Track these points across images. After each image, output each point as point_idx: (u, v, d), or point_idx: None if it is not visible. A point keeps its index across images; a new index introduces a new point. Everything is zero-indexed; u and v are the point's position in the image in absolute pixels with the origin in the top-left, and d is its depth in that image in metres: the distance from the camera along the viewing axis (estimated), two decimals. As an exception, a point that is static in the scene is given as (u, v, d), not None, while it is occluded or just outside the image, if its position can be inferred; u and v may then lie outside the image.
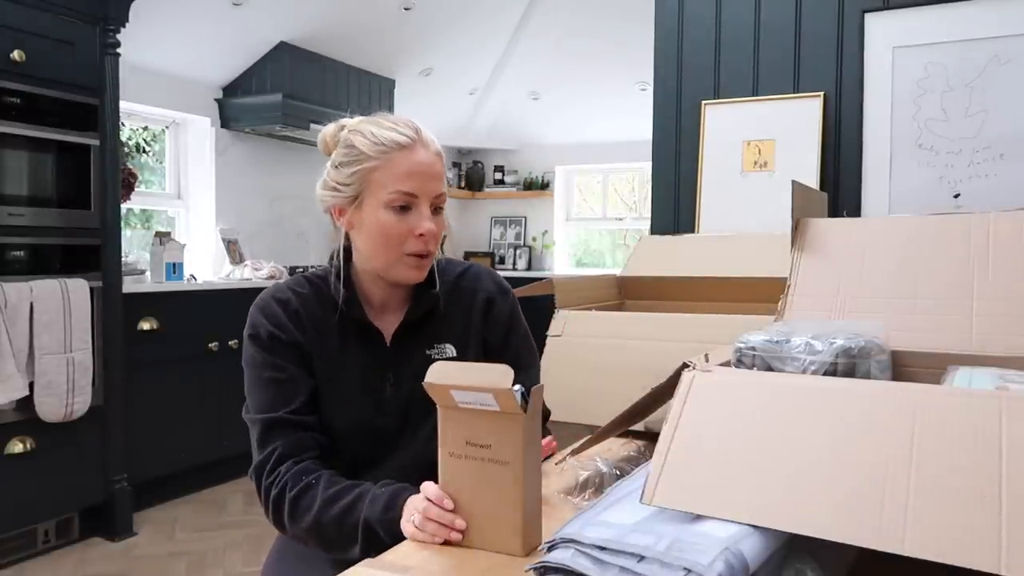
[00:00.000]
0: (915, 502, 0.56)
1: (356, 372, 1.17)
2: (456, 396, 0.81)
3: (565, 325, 1.45)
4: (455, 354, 1.20)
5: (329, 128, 1.20)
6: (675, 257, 1.71)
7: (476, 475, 0.82)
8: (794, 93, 2.64)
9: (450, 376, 0.82)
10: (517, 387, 0.78)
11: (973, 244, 1.00)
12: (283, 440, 1.10)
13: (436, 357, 1.18)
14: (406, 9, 4.59)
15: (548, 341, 1.47)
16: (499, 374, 0.79)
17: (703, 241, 1.96)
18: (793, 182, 1.17)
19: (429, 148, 1.15)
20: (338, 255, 1.19)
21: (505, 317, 1.26)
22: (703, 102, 2.78)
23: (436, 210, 1.15)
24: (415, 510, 0.89)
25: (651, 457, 0.68)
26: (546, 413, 1.27)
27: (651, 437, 1.19)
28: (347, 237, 1.18)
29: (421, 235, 1.13)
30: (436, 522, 0.86)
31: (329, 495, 1.03)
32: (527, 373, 1.23)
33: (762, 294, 1.40)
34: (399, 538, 0.90)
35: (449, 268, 1.26)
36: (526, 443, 0.80)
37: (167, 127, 4.35)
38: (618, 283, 1.69)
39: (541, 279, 1.64)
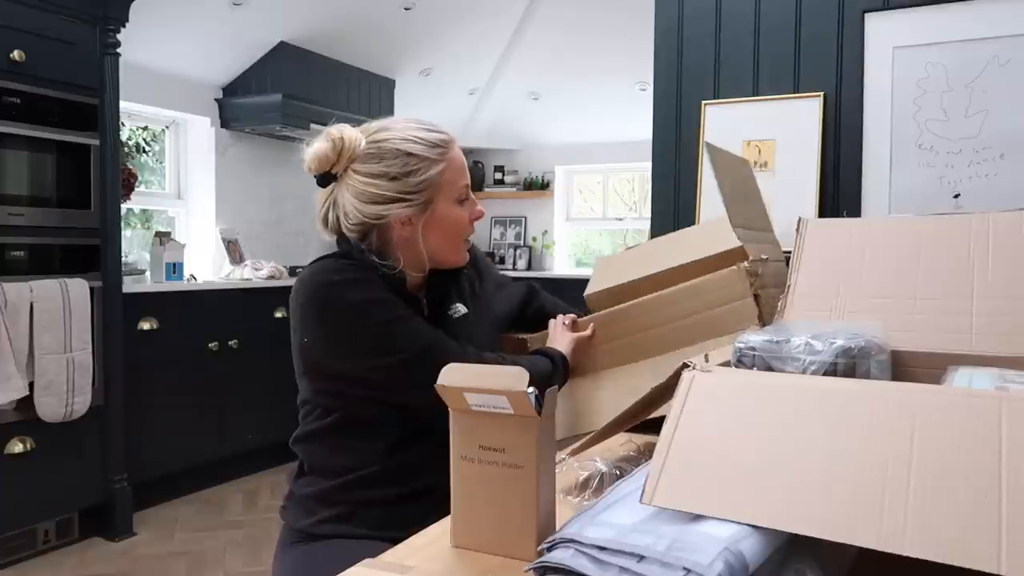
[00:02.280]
0: (915, 502, 0.56)
1: None
2: (469, 399, 0.81)
3: None
4: (466, 311, 1.32)
5: (323, 146, 1.18)
6: (630, 267, 1.66)
7: (489, 480, 0.81)
8: (794, 93, 2.64)
9: (463, 379, 0.81)
10: (531, 390, 0.78)
11: (973, 244, 1.00)
12: (463, 349, 1.20)
13: (454, 316, 1.30)
14: (406, 9, 4.59)
15: None
16: (513, 377, 0.78)
17: (652, 245, 1.89)
18: (707, 144, 1.19)
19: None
20: (393, 252, 1.21)
21: (486, 263, 1.48)
22: (703, 102, 2.78)
23: None
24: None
25: (651, 457, 0.68)
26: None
27: (651, 435, 1.19)
28: (380, 237, 1.21)
29: (477, 217, 1.28)
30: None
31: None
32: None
33: (723, 265, 1.36)
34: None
35: None
36: (540, 447, 0.79)
37: (167, 127, 4.35)
38: (587, 300, 1.64)
39: (543, 279, 1.63)
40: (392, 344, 1.16)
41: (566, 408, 1.42)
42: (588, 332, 1.40)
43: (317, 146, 1.19)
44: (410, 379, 1.16)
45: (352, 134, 1.20)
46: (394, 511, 1.20)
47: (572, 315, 1.44)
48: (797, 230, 1.14)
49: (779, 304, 1.07)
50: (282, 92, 4.19)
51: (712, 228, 1.41)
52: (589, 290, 1.58)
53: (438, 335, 1.20)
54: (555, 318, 1.43)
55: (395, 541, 1.10)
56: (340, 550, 1.17)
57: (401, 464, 1.21)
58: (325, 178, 1.21)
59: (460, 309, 1.33)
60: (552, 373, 1.31)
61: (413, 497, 1.21)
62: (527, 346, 1.49)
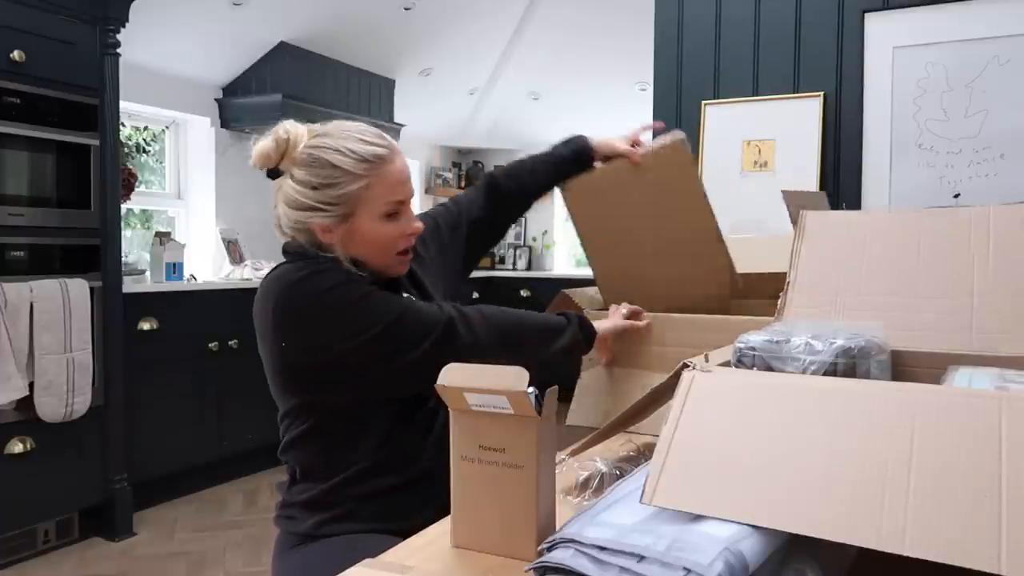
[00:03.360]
0: (915, 502, 0.56)
1: None
2: (469, 399, 0.81)
3: None
4: (415, 298, 1.31)
5: (267, 143, 1.19)
6: None
7: (489, 479, 0.81)
8: (794, 93, 2.64)
9: (463, 379, 0.81)
10: (531, 390, 0.77)
11: (973, 239, 1.00)
12: (438, 305, 1.22)
13: None
14: (406, 9, 4.59)
15: None
16: (513, 376, 0.78)
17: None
18: (784, 192, 1.16)
19: (400, 153, 1.23)
20: (341, 258, 1.21)
21: (424, 240, 1.41)
22: (703, 102, 2.78)
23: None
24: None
25: (651, 457, 0.68)
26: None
27: (651, 435, 1.19)
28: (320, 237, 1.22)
29: (411, 234, 1.23)
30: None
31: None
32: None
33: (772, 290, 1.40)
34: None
35: None
36: (540, 447, 0.79)
37: (167, 127, 4.35)
38: None
39: (542, 279, 1.63)
40: (363, 321, 1.16)
41: (605, 394, 1.40)
42: (642, 323, 1.41)
43: (262, 143, 1.20)
44: (391, 348, 1.16)
45: (296, 135, 1.20)
46: (393, 502, 1.20)
47: (637, 308, 1.44)
48: (796, 223, 1.14)
49: (779, 302, 1.07)
50: (282, 92, 4.19)
51: (773, 244, 1.44)
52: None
53: (409, 302, 1.20)
54: (618, 305, 1.45)
55: (399, 531, 1.11)
56: (344, 545, 1.17)
57: (392, 455, 1.21)
58: (273, 173, 1.22)
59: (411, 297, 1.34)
60: (564, 330, 1.31)
61: (410, 485, 1.22)
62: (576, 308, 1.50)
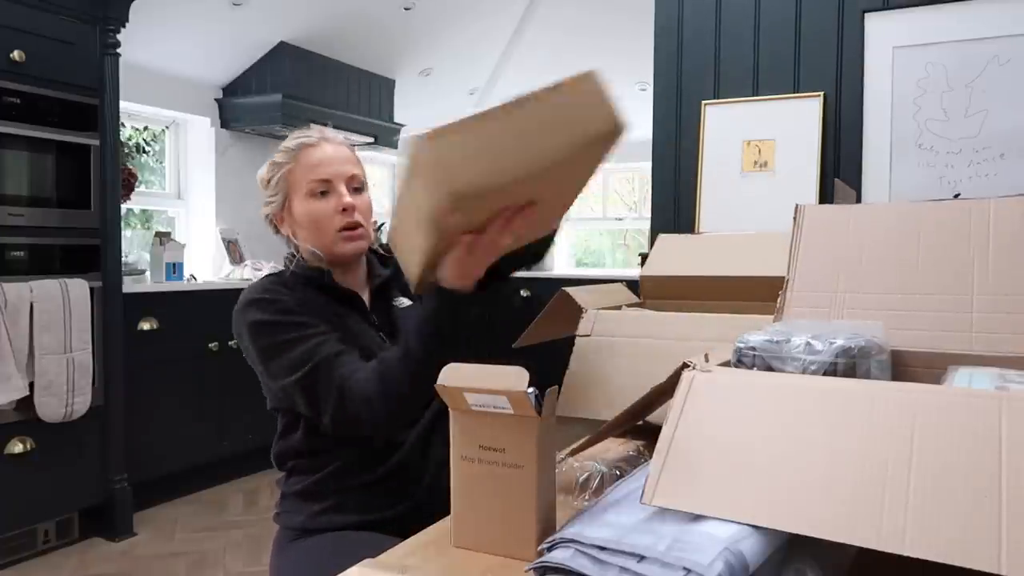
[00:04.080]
0: (915, 502, 0.56)
1: (355, 336, 1.27)
2: (469, 399, 0.81)
3: (594, 324, 1.44)
4: (410, 302, 1.37)
5: (263, 167, 1.37)
6: (693, 255, 1.68)
7: (489, 480, 0.81)
8: (794, 93, 2.64)
9: (463, 378, 0.81)
10: (531, 390, 0.78)
11: (973, 236, 1.00)
12: (347, 365, 1.18)
13: (400, 307, 1.36)
14: (406, 9, 4.59)
15: (577, 341, 1.45)
16: (514, 376, 0.78)
17: (721, 240, 1.92)
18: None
19: (334, 141, 1.33)
20: (297, 256, 1.33)
21: None
22: (703, 102, 2.78)
23: (356, 191, 1.31)
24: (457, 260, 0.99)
25: (651, 457, 0.68)
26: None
27: (652, 436, 1.19)
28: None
29: (344, 209, 1.27)
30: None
31: (395, 354, 1.12)
32: None
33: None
34: (458, 307, 1.05)
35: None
36: (540, 447, 0.79)
37: (167, 127, 4.35)
38: (641, 281, 1.65)
39: (542, 279, 1.63)
40: (281, 368, 1.21)
41: (596, 384, 1.37)
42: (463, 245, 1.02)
43: (260, 170, 1.37)
44: (306, 400, 1.19)
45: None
46: (374, 494, 1.26)
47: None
48: (795, 218, 1.13)
49: (778, 300, 1.07)
50: (282, 92, 4.18)
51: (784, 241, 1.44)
52: (646, 272, 1.58)
53: (318, 362, 1.17)
54: None
55: (391, 519, 1.21)
56: (338, 541, 1.22)
57: (367, 455, 1.26)
58: None
59: (403, 301, 1.38)
60: (445, 342, 1.08)
61: (389, 478, 1.27)
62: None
